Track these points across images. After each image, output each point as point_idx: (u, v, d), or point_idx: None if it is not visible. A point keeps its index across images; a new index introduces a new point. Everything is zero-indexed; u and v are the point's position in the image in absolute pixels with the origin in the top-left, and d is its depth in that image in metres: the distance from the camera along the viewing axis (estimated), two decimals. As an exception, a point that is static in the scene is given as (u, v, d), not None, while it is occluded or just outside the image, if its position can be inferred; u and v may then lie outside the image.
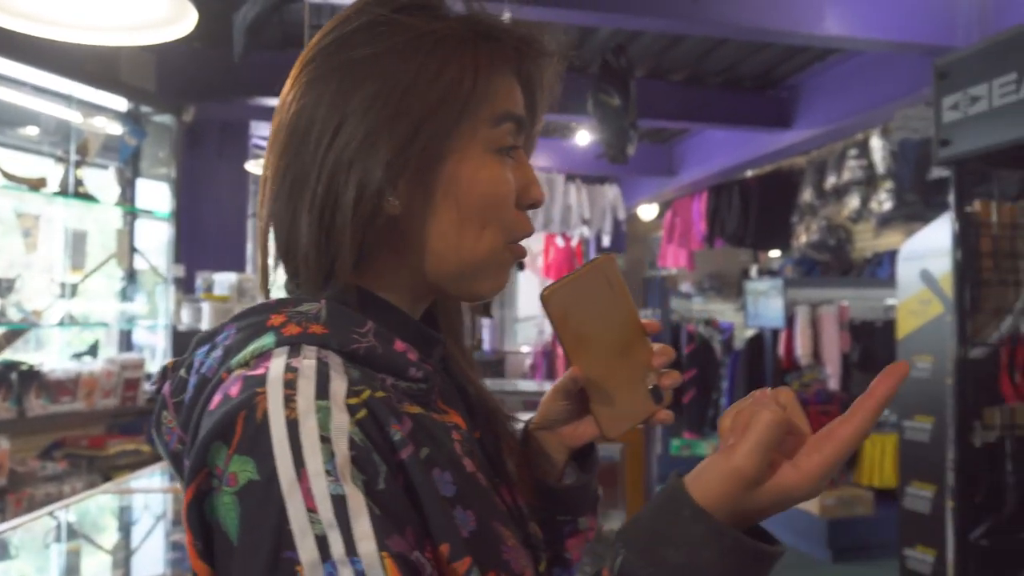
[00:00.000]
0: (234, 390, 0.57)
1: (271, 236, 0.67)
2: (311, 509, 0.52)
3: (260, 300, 0.67)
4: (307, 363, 0.57)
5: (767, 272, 7.47)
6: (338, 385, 0.57)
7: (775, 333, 5.34)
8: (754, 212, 6.89)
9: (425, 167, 0.64)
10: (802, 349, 4.91)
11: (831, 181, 6.90)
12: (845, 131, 5.82)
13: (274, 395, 0.55)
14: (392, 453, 0.57)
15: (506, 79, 0.67)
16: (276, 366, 0.57)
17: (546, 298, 0.66)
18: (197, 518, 0.56)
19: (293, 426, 0.54)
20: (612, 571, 0.57)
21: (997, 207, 2.22)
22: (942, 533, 2.19)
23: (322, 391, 0.56)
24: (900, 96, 4.71)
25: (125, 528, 2.37)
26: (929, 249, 2.26)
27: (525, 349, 9.77)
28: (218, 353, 0.62)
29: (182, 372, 0.65)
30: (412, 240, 0.65)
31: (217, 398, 0.58)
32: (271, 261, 0.68)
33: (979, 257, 2.17)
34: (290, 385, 0.55)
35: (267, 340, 0.59)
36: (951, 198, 2.13)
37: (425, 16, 0.65)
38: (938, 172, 2.75)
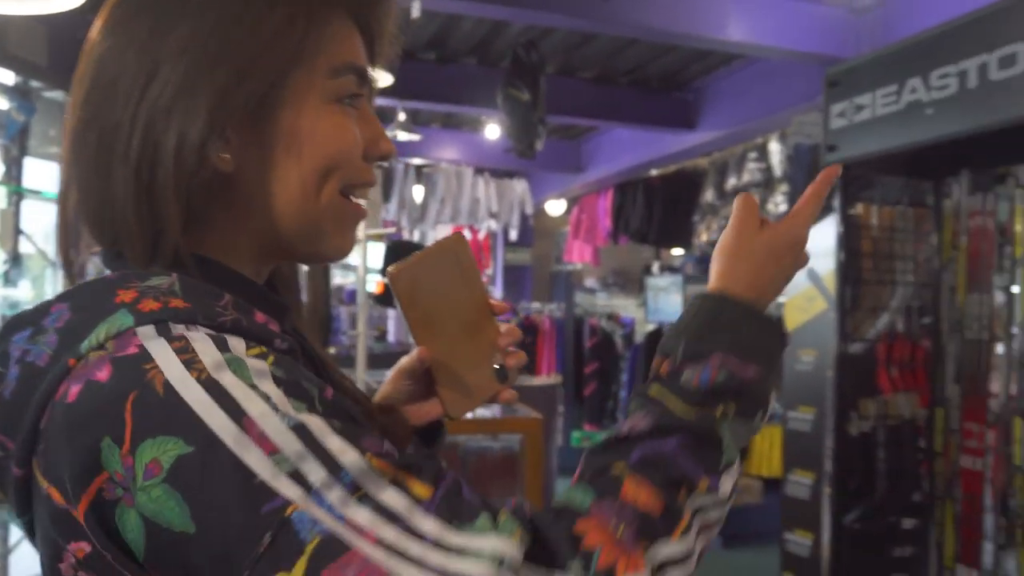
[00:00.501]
0: (101, 375, 0.49)
1: (76, 202, 0.60)
2: (272, 451, 0.48)
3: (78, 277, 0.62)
4: (190, 331, 0.52)
5: (669, 269, 7.67)
6: (236, 342, 0.53)
7: (674, 328, 5.49)
8: (657, 210, 7.06)
9: (257, 117, 0.58)
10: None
11: (732, 182, 7.13)
12: (746, 134, 6.03)
13: (169, 364, 0.49)
14: (312, 383, 0.53)
15: (344, 26, 0.62)
16: (152, 341, 0.51)
17: (393, 276, 0.64)
18: (100, 526, 0.49)
19: (211, 384, 0.49)
20: (676, 359, 0.63)
21: (878, 211, 2.34)
22: (819, 518, 2.31)
23: (223, 346, 0.52)
24: (797, 103, 4.91)
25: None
26: (815, 249, 2.37)
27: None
28: (50, 338, 0.53)
29: None
30: (251, 199, 0.60)
31: (76, 388, 0.50)
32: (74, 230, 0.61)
33: (860, 257, 2.29)
34: (184, 351, 0.50)
35: (123, 319, 0.52)
36: (836, 201, 2.23)
37: None
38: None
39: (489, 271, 9.70)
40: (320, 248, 0.64)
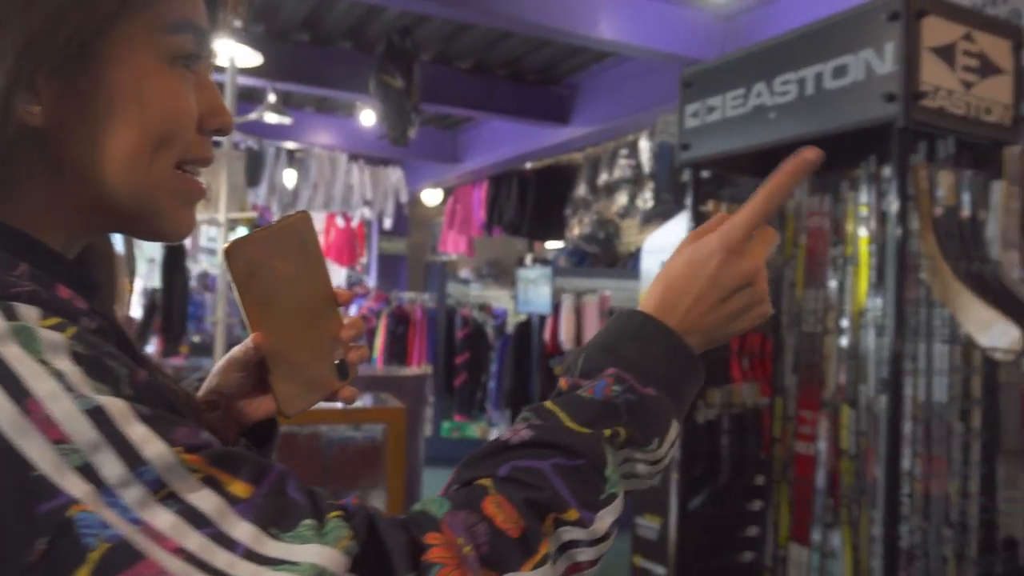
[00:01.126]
0: None
1: None
2: (59, 439, 0.41)
3: None
4: None
5: (542, 261, 7.79)
6: (28, 310, 0.45)
7: (542, 319, 5.58)
8: (531, 203, 7.15)
9: (76, 68, 0.51)
10: (566, 334, 5.18)
11: (603, 178, 7.30)
12: (617, 131, 6.19)
13: None
14: (120, 363, 0.46)
15: None
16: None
17: (229, 252, 0.58)
18: None
19: None
20: (575, 372, 0.59)
21: (727, 209, 2.45)
22: (667, 503, 2.39)
23: (9, 314, 0.44)
24: (663, 102, 5.08)
25: None
26: (668, 243, 2.49)
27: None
28: None
29: None
30: (70, 163, 0.53)
31: None
32: None
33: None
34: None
35: None
36: (688, 199, 2.31)
37: None
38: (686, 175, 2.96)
39: (364, 260, 9.57)
40: (155, 225, 0.57)
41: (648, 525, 2.45)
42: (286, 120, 4.85)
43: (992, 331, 1.57)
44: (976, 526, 1.91)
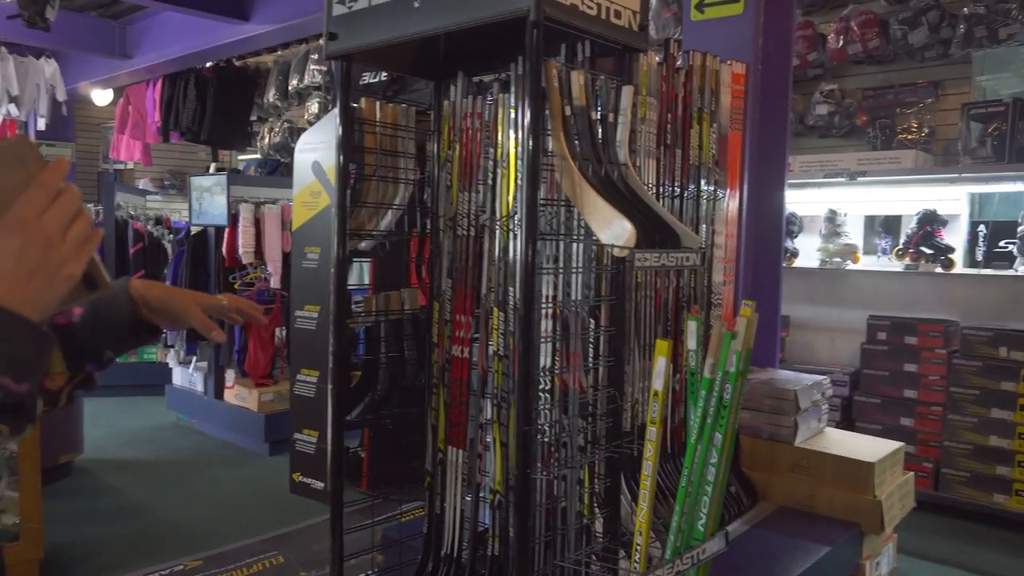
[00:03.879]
0: None
1: None
2: None
3: None
4: None
5: (235, 172, 7.25)
6: None
7: (220, 231, 5.20)
8: (211, 107, 6.58)
9: None
10: (244, 247, 4.87)
11: (294, 83, 6.90)
12: (304, 29, 5.81)
13: None
14: None
15: None
16: None
17: None
18: None
19: None
20: None
21: (382, 107, 2.33)
22: (324, 415, 2.31)
23: None
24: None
25: None
26: (321, 141, 2.34)
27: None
28: None
29: None
30: None
31: None
32: None
33: (363, 153, 2.27)
34: None
35: None
36: (338, 95, 2.16)
37: None
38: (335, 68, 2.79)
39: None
40: None
41: (306, 439, 2.36)
42: None
43: (612, 229, 1.61)
44: (604, 414, 2.03)
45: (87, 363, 1.07)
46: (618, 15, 1.84)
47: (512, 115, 2.15)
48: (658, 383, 1.62)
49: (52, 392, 1.03)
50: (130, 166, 8.26)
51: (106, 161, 8.73)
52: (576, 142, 1.78)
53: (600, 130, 1.88)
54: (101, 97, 8.42)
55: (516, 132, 2.07)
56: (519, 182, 2.09)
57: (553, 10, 1.68)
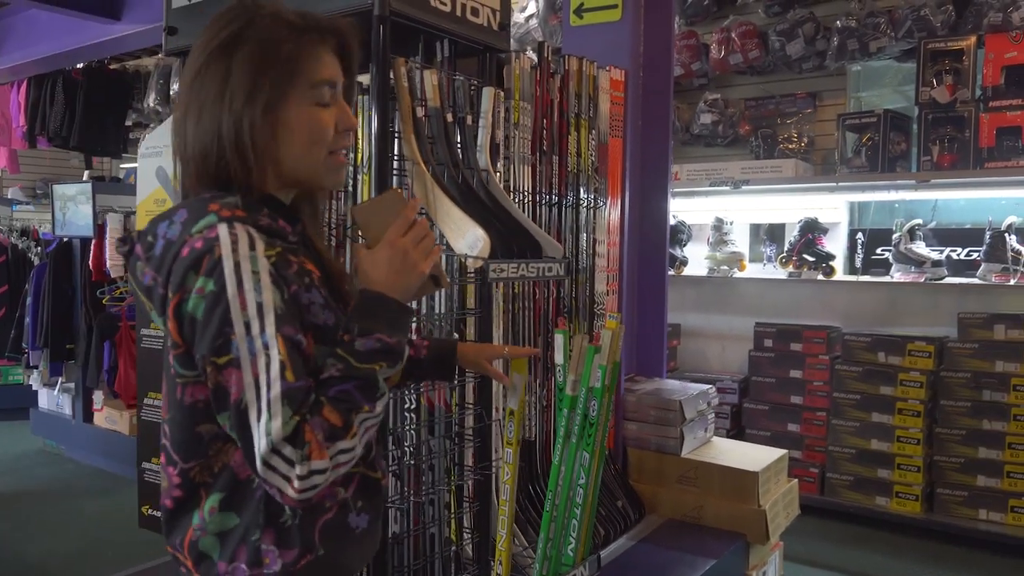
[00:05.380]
0: (199, 244, 1.03)
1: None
2: (243, 307, 1.00)
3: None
4: (240, 230, 1.04)
5: (115, 180, 6.85)
6: (260, 244, 1.05)
7: (86, 242, 4.87)
8: (80, 110, 6.18)
9: (276, 113, 1.12)
10: (112, 260, 4.56)
11: (176, 88, 6.56)
12: (179, 34, 5.52)
13: (225, 246, 1.02)
14: (287, 284, 1.07)
15: (326, 54, 1.16)
16: (223, 231, 1.04)
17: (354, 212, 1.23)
18: (178, 313, 1.04)
19: (236, 264, 1.01)
20: (353, 332, 1.06)
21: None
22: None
23: (252, 246, 1.04)
24: (222, 2, 4.59)
25: None
26: (165, 145, 2.16)
27: None
28: (177, 227, 1.08)
29: (148, 238, 1.11)
30: (275, 158, 1.14)
31: (186, 250, 1.04)
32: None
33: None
34: (234, 242, 1.03)
35: (211, 218, 1.07)
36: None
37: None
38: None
39: None
40: (322, 183, 1.19)
41: (155, 468, 2.17)
42: None
43: (466, 238, 1.50)
44: (472, 435, 1.92)
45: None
46: (475, 12, 1.74)
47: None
48: (513, 401, 1.53)
49: None
50: (-3, 174, 7.72)
51: (-31, 168, 8.14)
52: (430, 146, 1.67)
53: (459, 134, 1.77)
54: (-37, 100, 7.85)
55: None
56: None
57: (400, 5, 1.57)
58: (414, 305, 1.69)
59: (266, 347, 1.00)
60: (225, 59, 1.10)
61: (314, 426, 0.99)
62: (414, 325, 1.70)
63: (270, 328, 1.00)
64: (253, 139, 1.09)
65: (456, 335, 1.67)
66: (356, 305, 1.09)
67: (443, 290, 1.67)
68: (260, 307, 1.00)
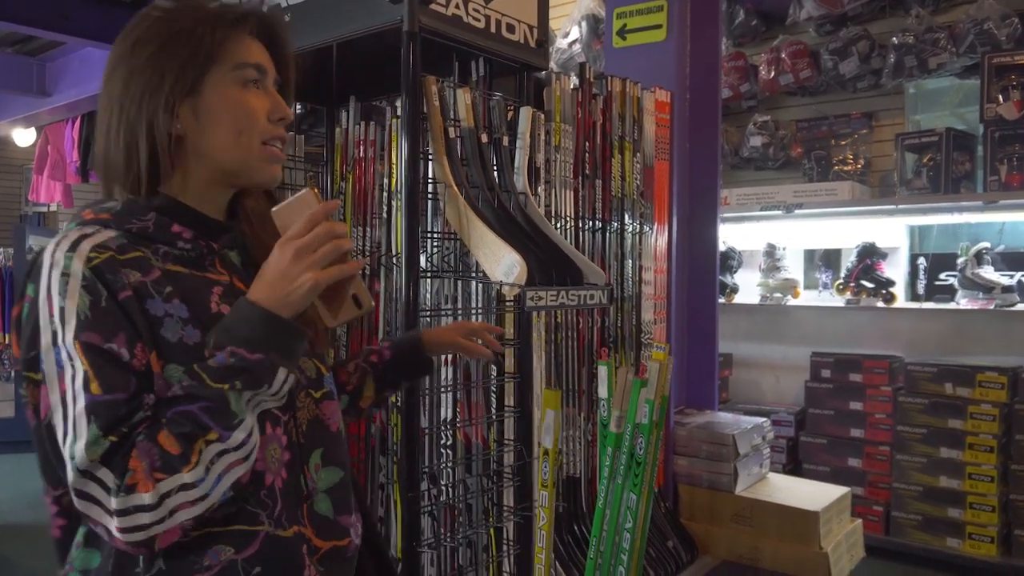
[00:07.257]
0: (52, 249, 0.96)
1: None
2: (51, 314, 0.91)
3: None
4: (74, 233, 0.96)
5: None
6: (86, 245, 0.94)
7: None
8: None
9: (196, 99, 1.04)
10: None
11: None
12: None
13: (48, 250, 0.95)
14: (115, 290, 0.93)
15: (244, 38, 1.08)
16: (63, 236, 0.97)
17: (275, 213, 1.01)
18: (16, 325, 0.97)
19: (49, 267, 0.93)
20: (209, 346, 0.94)
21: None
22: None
23: (72, 248, 0.94)
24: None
25: None
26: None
27: None
28: (59, 234, 0.99)
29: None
30: (196, 152, 1.05)
31: (45, 255, 0.96)
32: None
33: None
34: (58, 245, 0.95)
35: (71, 226, 1.00)
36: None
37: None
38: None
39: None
40: (253, 178, 1.08)
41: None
42: None
43: (501, 264, 1.41)
44: (512, 474, 1.81)
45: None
46: (511, 29, 1.66)
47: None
48: (547, 440, 1.42)
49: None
50: (53, 208, 7.89)
51: (27, 203, 8.35)
52: (464, 168, 1.58)
53: (496, 156, 1.69)
54: (23, 137, 8.08)
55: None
56: (413, 215, 1.88)
57: (431, 21, 1.49)
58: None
59: (70, 357, 0.89)
60: (128, 60, 1.03)
61: (141, 452, 0.86)
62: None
63: (69, 336, 0.89)
64: (154, 136, 1.00)
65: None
66: (225, 316, 0.96)
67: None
68: (62, 312, 0.90)
